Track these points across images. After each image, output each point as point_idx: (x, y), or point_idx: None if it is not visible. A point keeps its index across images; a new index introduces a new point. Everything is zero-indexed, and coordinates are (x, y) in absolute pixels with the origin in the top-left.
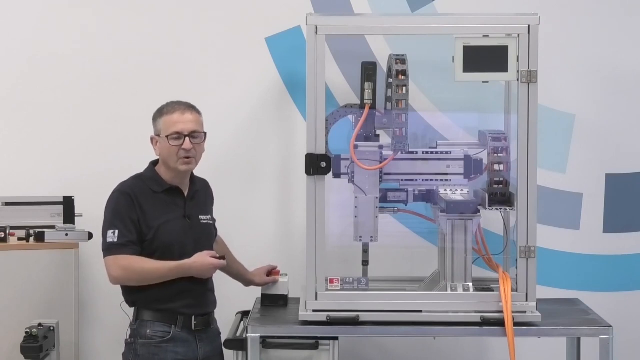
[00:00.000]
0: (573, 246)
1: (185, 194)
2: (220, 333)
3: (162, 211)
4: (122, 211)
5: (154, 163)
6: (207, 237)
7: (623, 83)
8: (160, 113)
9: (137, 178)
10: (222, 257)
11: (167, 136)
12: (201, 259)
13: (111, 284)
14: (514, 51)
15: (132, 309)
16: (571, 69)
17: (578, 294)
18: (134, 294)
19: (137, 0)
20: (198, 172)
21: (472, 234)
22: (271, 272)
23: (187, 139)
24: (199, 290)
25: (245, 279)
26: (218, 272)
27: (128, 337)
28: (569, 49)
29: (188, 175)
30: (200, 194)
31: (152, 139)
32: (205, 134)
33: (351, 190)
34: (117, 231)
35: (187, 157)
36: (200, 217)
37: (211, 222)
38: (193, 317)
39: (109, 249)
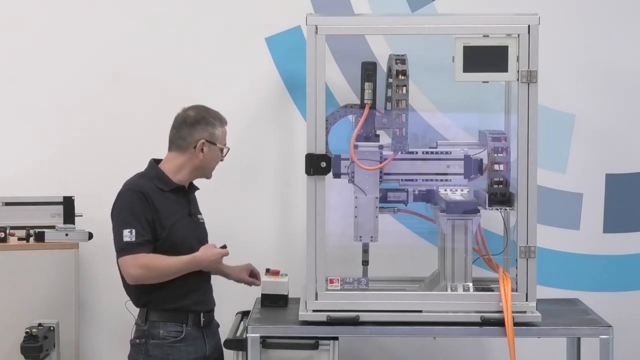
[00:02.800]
0: (573, 246)
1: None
2: (219, 325)
3: (171, 210)
4: (137, 210)
5: (157, 161)
6: (206, 235)
7: (623, 83)
8: (220, 122)
9: (144, 177)
10: (223, 247)
11: (224, 146)
12: (209, 251)
13: (110, 284)
14: (514, 51)
15: (138, 309)
16: (571, 69)
17: (578, 294)
18: (146, 294)
19: (137, 1)
20: None
21: (472, 234)
22: (252, 273)
23: None
24: (204, 287)
25: (222, 273)
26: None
27: (135, 338)
28: (569, 49)
29: None
30: (193, 195)
31: (202, 142)
32: None
33: (351, 190)
34: (134, 230)
35: None
36: (198, 216)
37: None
38: (202, 314)
39: (126, 249)
